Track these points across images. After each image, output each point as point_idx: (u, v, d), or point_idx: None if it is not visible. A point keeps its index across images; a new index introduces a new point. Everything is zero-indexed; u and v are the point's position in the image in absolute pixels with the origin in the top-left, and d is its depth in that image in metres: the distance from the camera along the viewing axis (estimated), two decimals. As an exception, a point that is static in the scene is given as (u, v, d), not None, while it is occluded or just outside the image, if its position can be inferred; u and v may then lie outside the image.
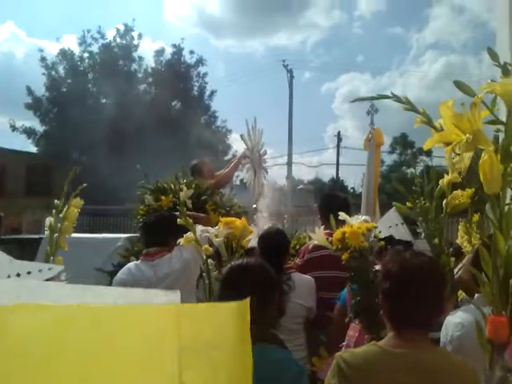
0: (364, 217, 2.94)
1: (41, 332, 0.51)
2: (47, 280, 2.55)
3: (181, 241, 3.12)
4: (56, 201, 3.11)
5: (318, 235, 3.13)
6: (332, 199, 4.08)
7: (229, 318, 0.62)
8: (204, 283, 3.12)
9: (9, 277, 2.03)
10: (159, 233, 3.42)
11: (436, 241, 2.63)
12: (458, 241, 3.75)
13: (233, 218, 3.38)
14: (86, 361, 0.52)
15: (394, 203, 2.94)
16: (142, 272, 3.33)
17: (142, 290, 0.62)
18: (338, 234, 2.71)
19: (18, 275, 2.08)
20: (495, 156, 1.42)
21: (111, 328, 0.55)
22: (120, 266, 4.19)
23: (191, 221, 3.13)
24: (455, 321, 2.29)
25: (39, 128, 25.55)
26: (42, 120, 25.28)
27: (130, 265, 3.52)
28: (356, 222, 2.80)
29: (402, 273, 1.80)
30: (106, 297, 0.60)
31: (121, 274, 3.44)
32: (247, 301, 0.63)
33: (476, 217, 3.32)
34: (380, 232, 2.87)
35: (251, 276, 2.01)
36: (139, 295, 0.63)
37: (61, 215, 3.09)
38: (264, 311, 1.95)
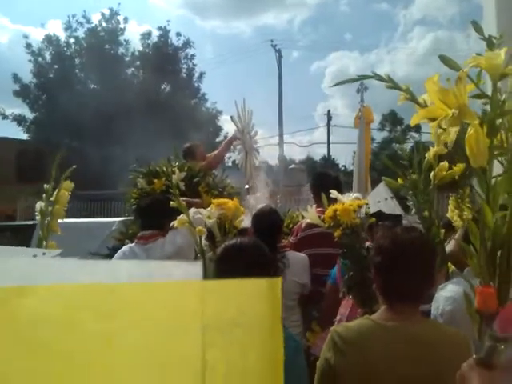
0: (355, 194, 2.97)
1: (53, 314, 0.50)
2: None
3: (174, 223, 3.14)
4: (45, 185, 3.11)
5: (310, 213, 3.17)
6: (324, 178, 4.11)
7: (258, 295, 0.60)
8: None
9: None
10: (153, 216, 3.44)
11: (426, 213, 2.65)
12: (448, 215, 3.79)
13: (225, 199, 3.40)
14: (102, 343, 0.51)
15: (382, 177, 2.95)
16: (135, 255, 3.35)
17: (158, 263, 0.60)
18: (329, 211, 2.75)
19: None
20: (481, 130, 1.45)
21: (130, 307, 0.53)
22: (115, 249, 4.21)
23: (184, 203, 3.15)
24: (446, 295, 2.32)
25: (29, 115, 25.34)
26: (31, 107, 25.03)
27: (125, 248, 3.54)
28: (347, 199, 2.83)
29: (394, 247, 1.84)
30: (120, 272, 0.58)
31: (115, 258, 3.47)
32: (279, 279, 0.61)
33: (466, 191, 3.34)
34: (368, 207, 2.89)
35: (245, 255, 2.03)
36: (156, 268, 0.60)
37: (51, 199, 3.09)
38: None
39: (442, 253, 2.60)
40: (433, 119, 1.55)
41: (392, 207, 2.90)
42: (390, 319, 1.81)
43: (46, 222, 3.09)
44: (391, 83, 1.68)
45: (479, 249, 1.53)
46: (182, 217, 3.09)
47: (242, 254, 2.04)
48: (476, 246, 1.54)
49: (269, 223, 3.34)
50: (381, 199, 2.91)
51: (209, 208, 3.23)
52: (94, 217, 11.26)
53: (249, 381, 0.60)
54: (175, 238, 3.35)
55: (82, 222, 6.71)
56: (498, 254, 1.51)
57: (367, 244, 2.75)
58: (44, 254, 2.44)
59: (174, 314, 0.55)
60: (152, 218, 3.45)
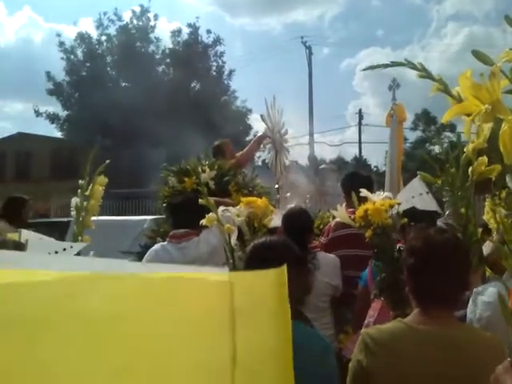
0: (386, 193, 2.93)
1: (108, 300, 0.56)
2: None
3: (203, 221, 3.15)
4: (80, 181, 3.17)
5: (339, 212, 3.15)
6: (355, 177, 4.07)
7: (271, 283, 0.69)
8: (228, 263, 3.15)
9: None
10: (185, 214, 3.46)
11: (463, 210, 2.54)
12: (485, 217, 3.70)
13: (254, 198, 3.40)
14: (146, 327, 0.57)
15: (418, 172, 2.85)
16: (169, 254, 3.36)
17: (192, 267, 0.68)
18: (360, 211, 2.72)
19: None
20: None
21: (170, 296, 0.60)
22: (147, 247, 4.26)
23: (212, 201, 3.16)
24: (485, 299, 2.23)
25: (62, 113, 25.83)
26: (64, 105, 25.51)
27: (157, 247, 3.56)
28: (378, 198, 2.79)
29: (426, 249, 1.82)
30: (160, 272, 0.64)
31: (147, 256, 3.48)
32: (284, 267, 0.70)
33: (503, 192, 3.25)
34: (400, 204, 2.81)
35: (275, 253, 2.03)
36: (190, 270, 0.67)
37: (86, 193, 3.14)
38: (288, 288, 1.99)
39: (479, 253, 2.52)
40: (466, 115, 1.52)
41: (428, 203, 2.77)
42: (423, 323, 1.79)
43: (81, 218, 3.15)
44: (424, 72, 1.65)
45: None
46: (211, 215, 3.10)
47: (271, 253, 2.03)
48: (511, 247, 1.51)
49: (299, 223, 3.33)
50: (415, 194, 2.79)
51: (238, 206, 3.23)
52: (125, 215, 11.40)
53: (269, 357, 0.68)
54: (209, 238, 3.35)
55: (115, 220, 6.81)
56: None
57: (399, 245, 2.71)
58: (71, 247, 2.52)
59: (206, 303, 0.63)
60: (184, 217, 3.46)
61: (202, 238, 3.39)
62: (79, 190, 3.14)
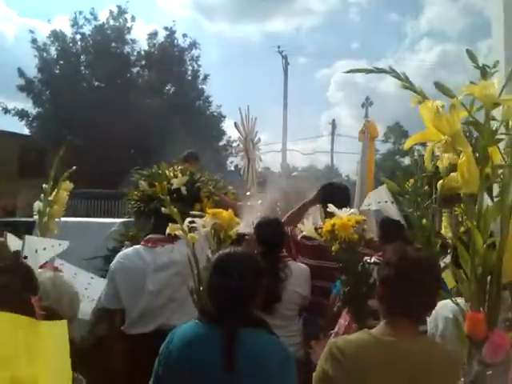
0: (352, 209, 3.01)
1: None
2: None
3: (168, 230, 3.14)
4: (44, 185, 3.13)
5: (306, 227, 3.23)
6: (331, 187, 4.12)
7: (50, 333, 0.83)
8: (193, 273, 3.14)
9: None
10: (166, 220, 3.40)
11: (424, 221, 2.41)
12: (442, 231, 3.79)
13: (219, 209, 3.40)
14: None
15: (382, 178, 2.88)
16: (141, 258, 3.36)
17: None
18: (327, 225, 2.80)
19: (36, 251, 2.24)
20: (473, 157, 1.49)
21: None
22: (115, 250, 4.24)
23: (176, 210, 3.14)
24: (447, 315, 2.23)
25: (32, 110, 25.26)
26: (34, 102, 24.96)
27: (129, 250, 3.53)
28: (345, 214, 2.87)
29: (402, 262, 1.89)
30: None
31: (119, 258, 3.45)
32: (65, 322, 0.87)
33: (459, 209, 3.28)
34: (369, 205, 2.83)
35: (238, 264, 2.10)
36: None
37: (50, 198, 3.11)
38: (252, 297, 2.06)
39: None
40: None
41: (392, 212, 2.78)
42: (389, 334, 1.85)
43: (44, 221, 3.12)
44: (407, 83, 1.70)
45: (470, 274, 1.56)
46: (175, 224, 3.09)
47: (235, 263, 2.11)
48: (466, 271, 1.58)
49: (272, 233, 3.39)
50: (381, 201, 2.82)
51: (204, 218, 3.24)
52: (93, 216, 11.25)
53: None
54: (182, 249, 3.28)
55: (83, 222, 6.71)
56: (488, 279, 1.55)
57: (366, 259, 2.79)
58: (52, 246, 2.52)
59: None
60: (164, 222, 3.41)
61: (176, 247, 3.38)
62: (42, 195, 3.11)
